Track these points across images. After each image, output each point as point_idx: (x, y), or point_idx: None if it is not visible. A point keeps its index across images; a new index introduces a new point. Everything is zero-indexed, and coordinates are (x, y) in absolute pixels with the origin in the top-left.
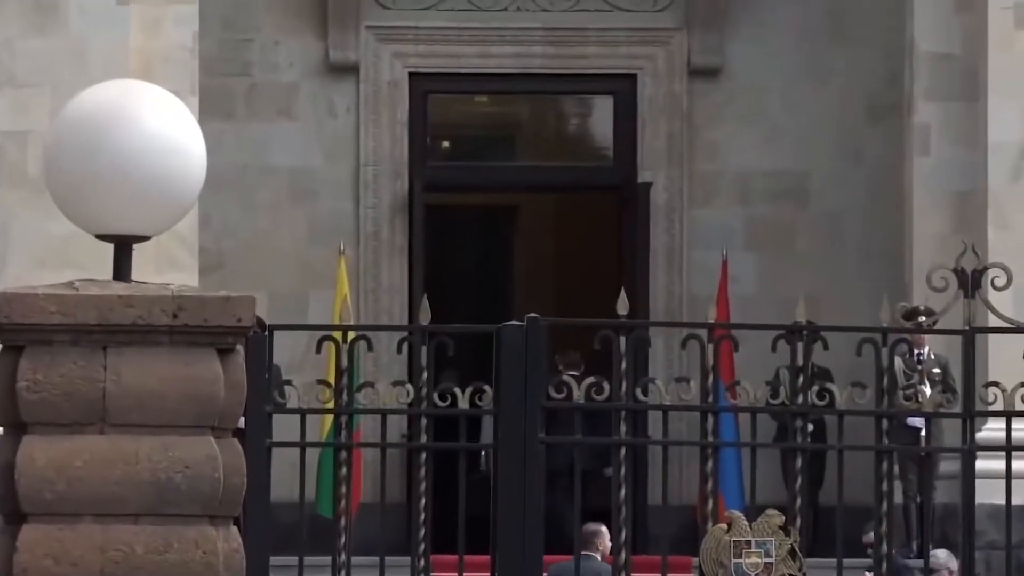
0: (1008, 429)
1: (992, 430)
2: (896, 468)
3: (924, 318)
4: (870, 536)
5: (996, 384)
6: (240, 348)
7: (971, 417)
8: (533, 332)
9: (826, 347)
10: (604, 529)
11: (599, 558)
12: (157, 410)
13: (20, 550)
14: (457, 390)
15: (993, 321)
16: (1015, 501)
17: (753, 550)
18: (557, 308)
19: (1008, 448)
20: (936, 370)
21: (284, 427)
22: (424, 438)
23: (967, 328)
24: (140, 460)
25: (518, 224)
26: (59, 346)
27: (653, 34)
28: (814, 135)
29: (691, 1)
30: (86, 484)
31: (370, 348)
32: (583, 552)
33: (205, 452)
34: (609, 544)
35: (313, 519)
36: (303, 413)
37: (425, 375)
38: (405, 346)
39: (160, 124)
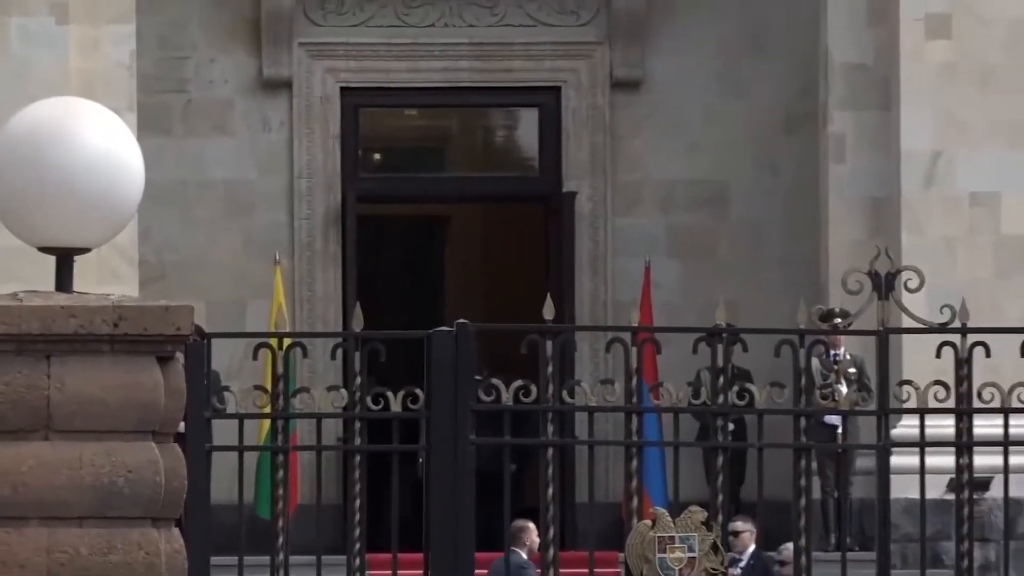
0: (922, 426)
1: (906, 427)
2: (814, 465)
3: (840, 320)
4: (783, 554)
5: (910, 382)
6: (180, 356)
7: (886, 414)
8: (463, 337)
9: (745, 349)
10: (531, 525)
11: (525, 555)
12: (100, 416)
13: None
14: (390, 394)
15: (906, 322)
16: (929, 496)
17: (677, 545)
18: (487, 314)
19: (922, 444)
20: (852, 370)
21: (223, 432)
22: (358, 441)
23: (881, 329)
24: (84, 465)
25: (448, 234)
26: (4, 355)
27: (576, 48)
28: (733, 145)
29: (613, 15)
30: (32, 489)
31: (305, 355)
32: (512, 548)
33: (147, 457)
34: (537, 540)
35: (252, 520)
36: (241, 418)
37: (359, 380)
38: (339, 352)
39: (99, 140)
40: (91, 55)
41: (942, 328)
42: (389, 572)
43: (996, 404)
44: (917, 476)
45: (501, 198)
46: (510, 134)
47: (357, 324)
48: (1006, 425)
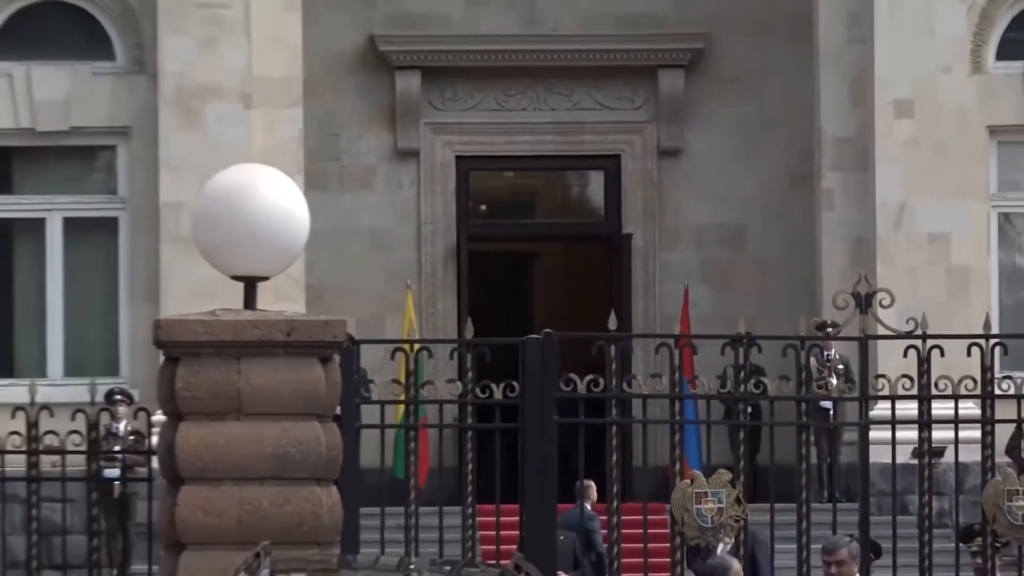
0: (892, 409)
1: (881, 409)
2: (812, 438)
3: (831, 328)
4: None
5: (883, 376)
6: (336, 357)
7: (866, 400)
8: (548, 343)
9: (760, 351)
10: (592, 483)
11: (588, 506)
12: (276, 403)
13: (179, 505)
14: (493, 386)
15: (881, 330)
16: (899, 460)
17: (709, 499)
18: (565, 325)
19: (893, 422)
20: (840, 367)
21: (369, 414)
22: (470, 421)
23: (862, 336)
24: (265, 439)
25: (536, 265)
26: (205, 357)
27: (632, 125)
28: (749, 198)
29: (659, 101)
30: (227, 457)
31: (430, 356)
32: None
33: (312, 433)
34: (595, 496)
35: (391, 480)
36: (382, 404)
37: (470, 375)
38: (456, 355)
39: (275, 197)
40: (269, 133)
41: (908, 335)
42: (493, 519)
43: (948, 392)
44: (889, 446)
45: (576, 238)
46: (582, 190)
47: (468, 333)
48: (956, 408)
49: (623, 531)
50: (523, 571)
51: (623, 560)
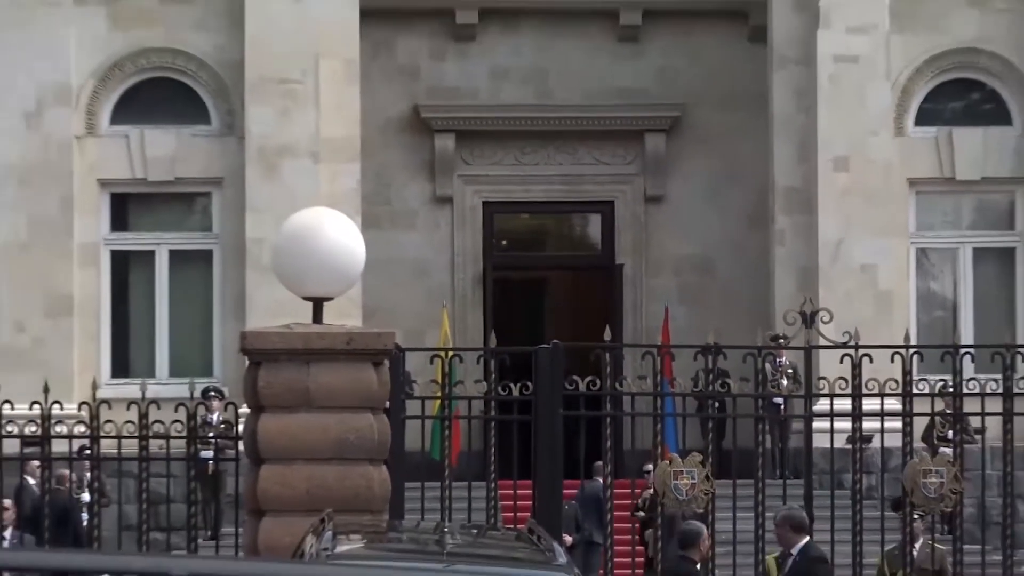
0: (831, 404)
1: (822, 405)
2: (767, 428)
3: (782, 340)
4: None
5: (824, 378)
6: (386, 362)
7: (809, 397)
8: (556, 351)
9: (725, 358)
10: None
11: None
12: (338, 398)
13: (260, 480)
14: (512, 385)
15: (822, 341)
16: (836, 445)
17: (684, 476)
18: (570, 337)
19: (831, 415)
20: (789, 371)
21: (412, 408)
22: (493, 413)
23: (807, 346)
24: (329, 427)
25: (547, 289)
26: (281, 362)
27: (623, 177)
28: (717, 235)
29: (645, 159)
30: (299, 441)
31: (461, 361)
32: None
33: (367, 423)
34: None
35: (429, 461)
36: (423, 399)
37: (493, 376)
38: (481, 360)
39: (338, 234)
40: (333, 182)
41: (843, 346)
42: (511, 492)
43: (876, 391)
44: (829, 434)
45: (578, 268)
46: (583, 229)
47: (492, 343)
48: (882, 404)
49: (617, 501)
50: (535, 534)
51: (615, 524)
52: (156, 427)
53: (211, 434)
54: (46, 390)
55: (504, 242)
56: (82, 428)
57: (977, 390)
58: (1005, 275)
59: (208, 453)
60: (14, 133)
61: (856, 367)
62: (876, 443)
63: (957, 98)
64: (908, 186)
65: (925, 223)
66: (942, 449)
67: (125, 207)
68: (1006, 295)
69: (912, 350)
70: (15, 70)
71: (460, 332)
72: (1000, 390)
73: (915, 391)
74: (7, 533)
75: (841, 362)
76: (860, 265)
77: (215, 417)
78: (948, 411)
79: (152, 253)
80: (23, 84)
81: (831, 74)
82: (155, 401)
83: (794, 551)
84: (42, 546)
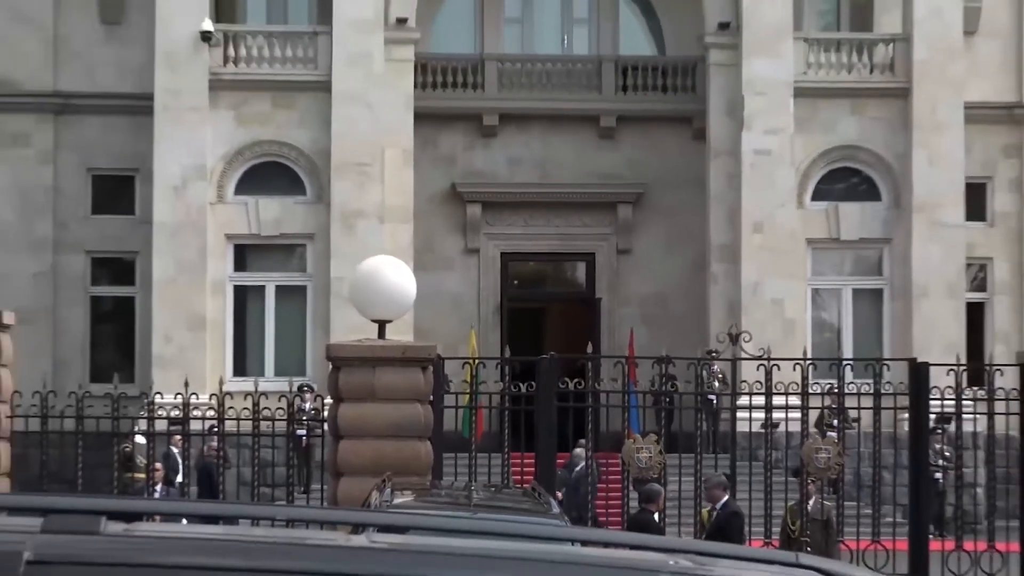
0: (750, 400)
1: (743, 401)
2: (703, 417)
3: (715, 353)
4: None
5: (745, 381)
6: (431, 367)
7: (734, 395)
8: (552, 361)
9: (674, 366)
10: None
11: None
12: (395, 393)
13: (340, 451)
14: (521, 384)
15: (744, 355)
16: (753, 430)
17: (644, 451)
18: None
19: (750, 407)
20: (720, 376)
21: (449, 400)
22: (507, 405)
23: (733, 358)
24: (389, 414)
25: (547, 316)
26: (354, 367)
27: (602, 235)
28: (670, 278)
29: (618, 223)
30: (366, 424)
31: (483, 367)
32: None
33: (417, 411)
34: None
35: (460, 438)
36: (457, 394)
37: (507, 378)
38: (499, 366)
39: (396, 276)
40: (394, 238)
41: (759, 358)
42: (519, 462)
43: (782, 391)
44: (748, 421)
45: (569, 301)
46: (573, 273)
47: (506, 354)
48: (786, 400)
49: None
50: (536, 491)
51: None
52: (265, 412)
53: (304, 418)
54: (186, 385)
55: (515, 282)
56: (212, 413)
57: (854, 391)
58: (875, 309)
59: (302, 431)
60: (166, 200)
61: (768, 374)
62: (782, 428)
63: (842, 181)
64: (806, 244)
65: (818, 271)
66: (829, 433)
67: (244, 254)
68: (875, 324)
69: (808, 361)
70: (168, 155)
71: (483, 346)
72: (871, 391)
73: (810, 391)
74: (158, 488)
75: (757, 370)
76: (771, 300)
77: (307, 406)
78: (833, 406)
79: (263, 287)
80: (173, 165)
81: (751, 163)
82: (264, 393)
83: (718, 506)
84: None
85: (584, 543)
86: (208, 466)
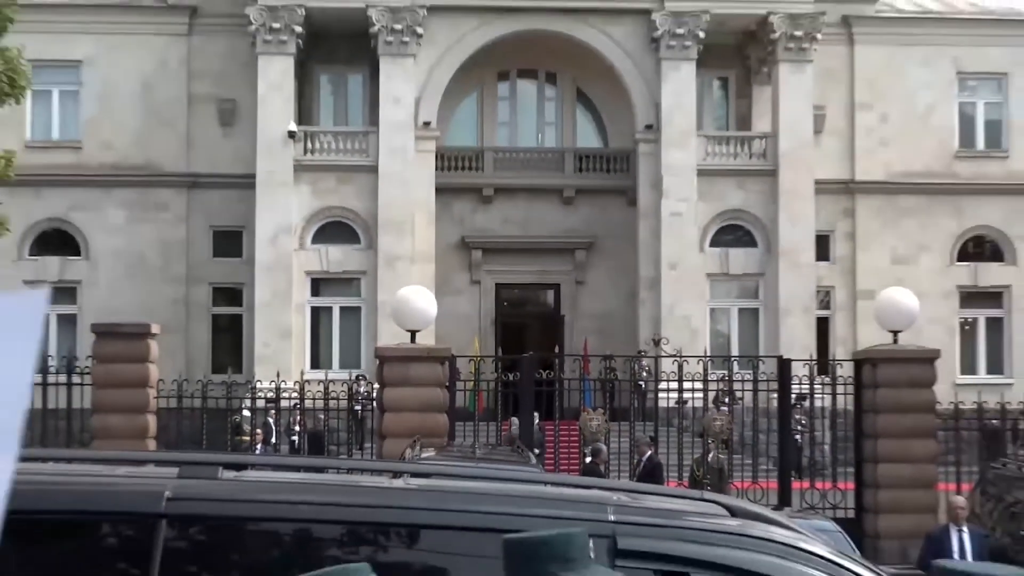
0: (667, 385)
1: (663, 385)
2: (635, 397)
3: (643, 352)
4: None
5: (663, 372)
6: (447, 363)
7: (656, 381)
8: (532, 358)
9: (615, 362)
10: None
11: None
12: (422, 380)
13: (385, 421)
14: (510, 375)
15: (663, 354)
16: (670, 405)
17: (594, 420)
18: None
19: (667, 391)
20: (646, 368)
21: (459, 385)
22: (499, 388)
23: (656, 356)
24: (419, 395)
25: (528, 328)
26: (395, 362)
27: (565, 272)
28: (613, 302)
29: (575, 263)
30: (403, 402)
31: (483, 363)
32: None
33: (437, 393)
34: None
35: (467, 412)
36: (464, 381)
37: (500, 370)
38: (494, 362)
39: (422, 300)
40: (422, 274)
41: (673, 355)
42: (507, 427)
43: (689, 379)
44: (666, 400)
45: (543, 318)
46: (546, 299)
47: (499, 353)
48: (692, 385)
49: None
50: (520, 448)
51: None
52: (332, 394)
53: (359, 398)
54: (278, 375)
55: (505, 304)
56: (295, 395)
57: (739, 379)
58: (753, 322)
59: (358, 407)
60: (264, 248)
61: (679, 367)
62: (689, 404)
63: (730, 234)
64: (706, 277)
65: (714, 295)
66: (722, 408)
67: (318, 285)
68: (753, 333)
69: (707, 358)
70: (266, 217)
71: (483, 348)
72: (751, 379)
73: (708, 379)
74: (258, 447)
75: (672, 364)
76: (681, 316)
77: (362, 389)
78: (725, 389)
79: (331, 308)
80: (269, 224)
81: (668, 222)
82: (332, 381)
83: (644, 459)
84: (275, 454)
85: (553, 484)
86: (319, 433)
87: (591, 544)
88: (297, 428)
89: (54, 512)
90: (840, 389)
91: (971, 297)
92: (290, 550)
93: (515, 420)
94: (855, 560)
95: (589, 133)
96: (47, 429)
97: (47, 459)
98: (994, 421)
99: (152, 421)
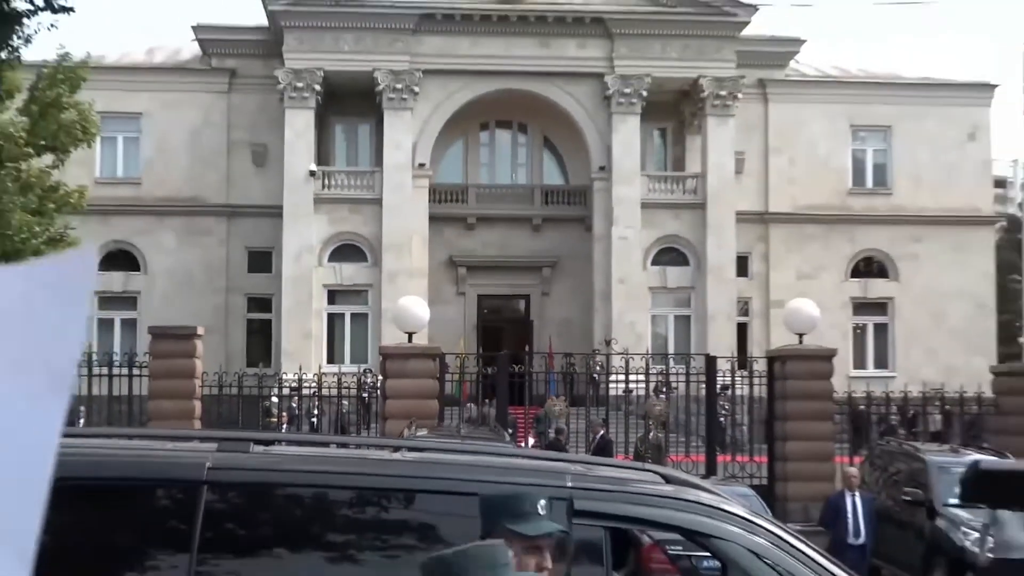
0: (616, 377)
1: (613, 378)
2: (591, 386)
3: (597, 351)
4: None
5: (614, 367)
6: (438, 359)
7: (607, 373)
8: (505, 356)
9: (574, 359)
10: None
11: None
12: (418, 373)
13: (387, 406)
14: (488, 368)
15: (613, 351)
16: (620, 393)
17: (557, 404)
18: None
19: (617, 383)
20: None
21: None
22: (479, 379)
23: (607, 353)
24: (417, 385)
25: (504, 331)
26: (396, 358)
27: (534, 285)
28: (571, 311)
29: (542, 279)
30: (403, 390)
31: (467, 359)
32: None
33: (431, 383)
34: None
35: (455, 398)
36: (452, 373)
37: (480, 364)
38: (476, 359)
39: (418, 308)
40: (416, 287)
41: (623, 353)
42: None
43: (635, 372)
44: (616, 389)
45: (516, 322)
46: (517, 307)
47: (480, 351)
48: (637, 378)
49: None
50: (497, 428)
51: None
52: (344, 384)
53: (366, 387)
54: (300, 368)
55: (485, 311)
56: (314, 384)
57: (675, 373)
58: (686, 327)
59: (365, 395)
60: (290, 265)
61: (626, 363)
62: (635, 393)
63: (668, 255)
64: (648, 291)
65: (655, 305)
66: (661, 395)
67: (333, 295)
68: (686, 335)
69: (649, 356)
70: (291, 240)
71: (467, 347)
72: (684, 372)
73: (650, 372)
74: (284, 427)
75: (620, 360)
76: (629, 322)
77: (369, 380)
78: (663, 381)
79: (344, 314)
80: (294, 246)
81: (618, 246)
82: (344, 373)
83: (597, 436)
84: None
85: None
86: (343, 415)
87: (543, 503)
88: (316, 412)
89: (118, 479)
90: (756, 381)
91: (861, 307)
92: (309, 510)
93: (472, 407)
94: (767, 519)
95: (553, 173)
96: (112, 412)
97: (111, 436)
98: (861, 407)
99: (197, 406)
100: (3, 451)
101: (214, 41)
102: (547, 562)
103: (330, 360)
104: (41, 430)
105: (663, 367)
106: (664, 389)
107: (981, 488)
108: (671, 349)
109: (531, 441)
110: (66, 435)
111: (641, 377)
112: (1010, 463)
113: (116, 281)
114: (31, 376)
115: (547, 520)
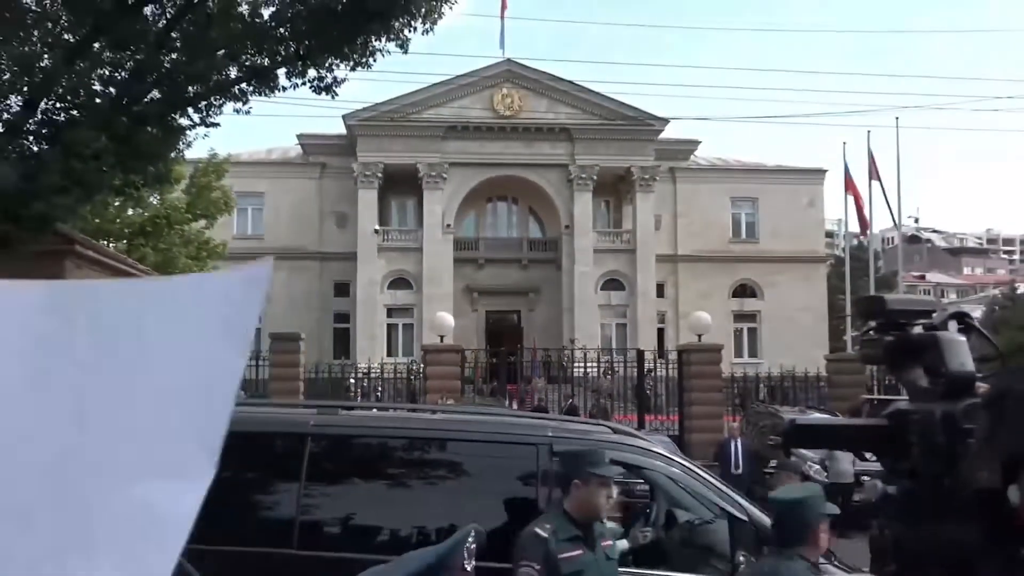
0: (578, 365)
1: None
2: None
3: (566, 348)
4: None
5: (577, 361)
6: (461, 353)
7: (572, 364)
8: (505, 352)
9: (551, 355)
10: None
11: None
12: (447, 363)
13: (428, 388)
14: (493, 359)
15: (576, 347)
16: (579, 375)
17: (540, 383)
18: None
19: (579, 366)
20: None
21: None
22: (488, 367)
23: (572, 350)
24: (445, 371)
25: (503, 336)
26: (432, 354)
27: (522, 305)
28: (548, 321)
29: (529, 301)
30: (439, 378)
31: (478, 353)
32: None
33: (456, 371)
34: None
35: (470, 380)
36: (468, 364)
37: (488, 356)
38: (484, 353)
39: (446, 320)
40: (445, 307)
41: (583, 348)
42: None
43: (593, 364)
44: (579, 372)
45: (511, 329)
46: (511, 320)
47: (487, 348)
48: (592, 366)
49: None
50: (499, 398)
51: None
52: (399, 371)
53: (413, 373)
54: (369, 361)
55: (491, 321)
56: (378, 371)
57: (617, 361)
58: (624, 331)
59: (411, 378)
60: (362, 292)
61: (584, 355)
62: (591, 375)
63: (612, 283)
64: (598, 307)
65: (603, 317)
66: (607, 376)
67: (392, 312)
68: (623, 337)
69: (601, 350)
70: (363, 275)
71: (479, 345)
72: (623, 361)
73: (600, 361)
74: (359, 399)
75: (581, 353)
76: (586, 328)
77: (414, 368)
78: (609, 367)
79: (398, 324)
80: (365, 279)
81: (579, 280)
82: (398, 364)
83: (568, 403)
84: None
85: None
86: (413, 390)
87: (608, 455)
88: (379, 389)
89: (253, 432)
90: (670, 367)
91: (739, 317)
92: (376, 452)
93: (482, 385)
94: (679, 456)
95: (535, 229)
96: (246, 391)
97: (248, 404)
98: (747, 385)
99: (301, 386)
100: (208, 379)
101: (311, 144)
102: (613, 492)
103: (388, 354)
104: (231, 370)
105: (609, 358)
106: (609, 372)
107: (798, 437)
108: (614, 345)
109: (515, 406)
110: None
111: (594, 364)
112: (816, 418)
113: None
114: (228, 340)
115: (611, 466)
